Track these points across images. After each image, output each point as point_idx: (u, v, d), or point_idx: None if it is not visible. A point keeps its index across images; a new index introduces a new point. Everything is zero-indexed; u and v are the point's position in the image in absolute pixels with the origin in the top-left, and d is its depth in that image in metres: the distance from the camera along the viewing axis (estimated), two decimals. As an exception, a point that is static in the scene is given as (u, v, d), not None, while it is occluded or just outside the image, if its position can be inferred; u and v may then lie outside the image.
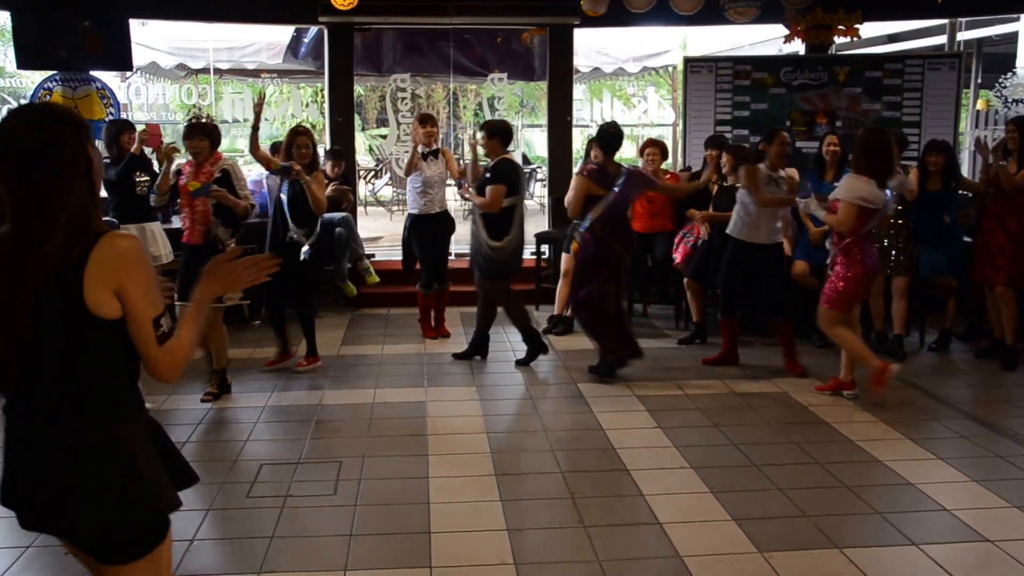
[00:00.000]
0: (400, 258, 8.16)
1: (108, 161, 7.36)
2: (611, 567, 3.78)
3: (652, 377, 6.59)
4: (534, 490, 4.61)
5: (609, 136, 6.57)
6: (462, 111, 18.03)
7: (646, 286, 8.52)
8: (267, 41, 11.31)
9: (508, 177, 6.65)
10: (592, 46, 12.16)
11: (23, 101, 9.11)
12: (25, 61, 8.29)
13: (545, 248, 9.15)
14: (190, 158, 5.96)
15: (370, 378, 6.69)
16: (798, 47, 10.14)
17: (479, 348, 7.18)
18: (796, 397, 6.14)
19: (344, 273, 8.54)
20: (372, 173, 17.15)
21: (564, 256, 8.14)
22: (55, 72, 8.51)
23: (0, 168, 2.13)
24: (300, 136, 6.55)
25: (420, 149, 7.62)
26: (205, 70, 11.23)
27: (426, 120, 7.72)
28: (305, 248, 6.50)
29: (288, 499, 4.51)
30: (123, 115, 8.92)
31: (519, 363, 6.97)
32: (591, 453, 5.14)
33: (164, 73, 11.54)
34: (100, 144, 7.48)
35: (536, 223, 12.24)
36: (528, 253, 9.68)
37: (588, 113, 12.80)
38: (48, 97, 8.51)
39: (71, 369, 2.16)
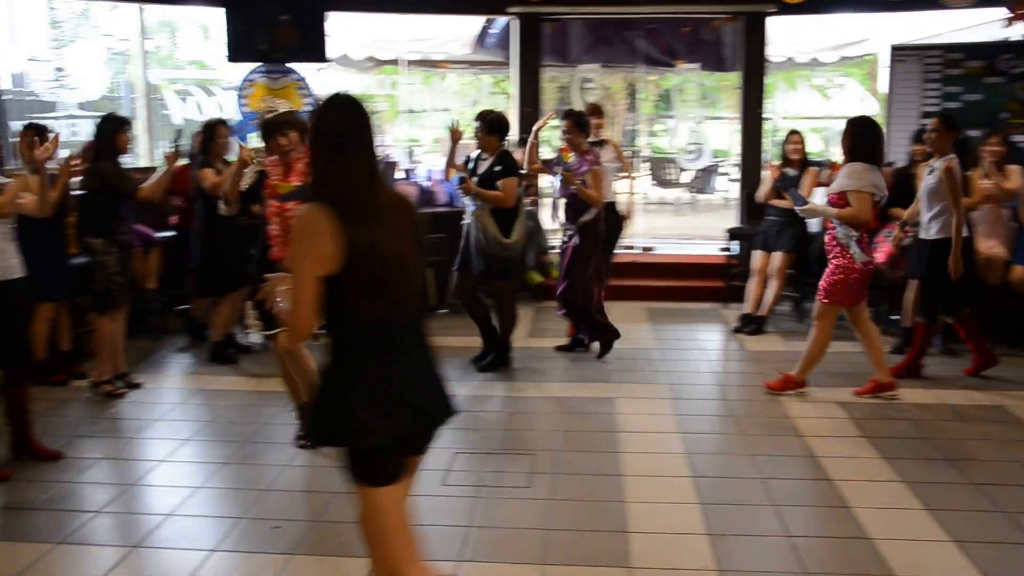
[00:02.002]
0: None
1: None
2: (821, 581, 3.68)
3: (850, 383, 6.35)
4: (733, 495, 4.53)
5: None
6: (640, 103, 17.89)
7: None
8: (455, 32, 11.56)
9: (515, 169, 6.52)
10: (786, 35, 11.81)
11: (230, 90, 9.65)
12: (233, 54, 8.81)
13: (735, 244, 8.97)
14: (271, 158, 5.07)
15: (557, 371, 6.74)
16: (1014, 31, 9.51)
17: (502, 358, 6.80)
18: (1014, 412, 5.79)
19: (531, 264, 8.66)
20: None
21: (755, 253, 7.97)
22: (259, 65, 9.00)
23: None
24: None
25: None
26: (393, 61, 11.59)
27: (595, 111, 7.78)
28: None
29: (483, 488, 4.61)
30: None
31: (481, 369, 6.69)
32: (791, 460, 5.01)
33: (354, 64, 11.98)
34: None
35: (721, 218, 12.04)
36: (717, 249, 9.57)
37: (774, 105, 12.48)
38: (252, 88, 9.02)
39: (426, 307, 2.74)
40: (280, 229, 4.90)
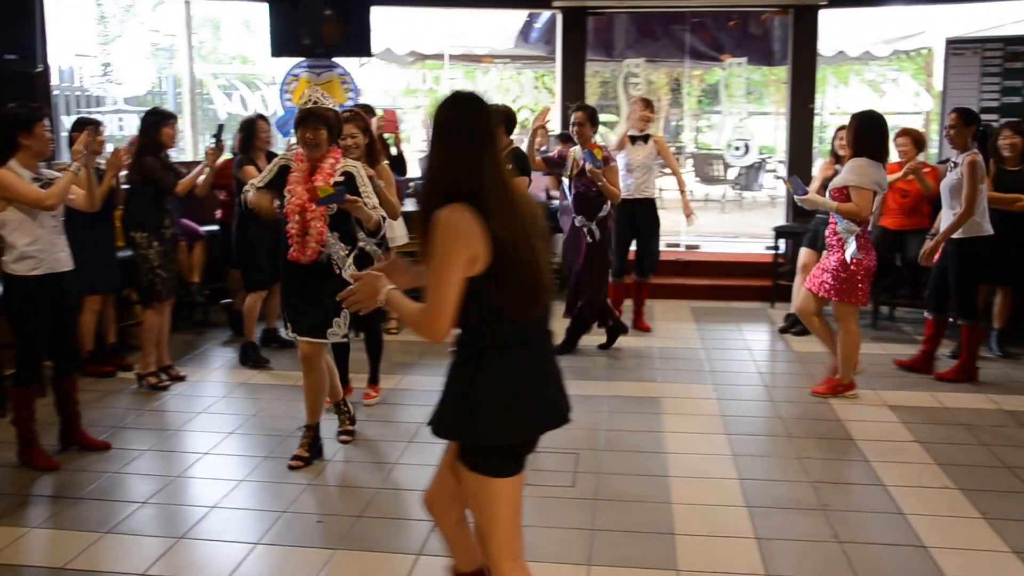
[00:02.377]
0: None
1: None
2: (874, 587, 3.63)
3: (903, 386, 6.26)
4: (782, 498, 4.47)
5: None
6: (684, 98, 17.78)
7: (894, 288, 8.09)
8: (498, 26, 11.56)
9: (527, 168, 6.41)
10: (837, 27, 11.65)
11: (273, 86, 9.71)
12: (277, 49, 8.87)
13: (782, 242, 8.88)
14: (299, 150, 4.78)
15: (600, 370, 6.72)
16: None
17: None
18: (1074, 417, 5.67)
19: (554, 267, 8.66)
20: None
21: (803, 251, 7.88)
22: (302, 59, 9.05)
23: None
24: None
25: (630, 131, 7.69)
26: (436, 56, 11.61)
27: (646, 104, 7.74)
28: None
29: (527, 487, 4.58)
30: (360, 100, 9.34)
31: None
32: (841, 464, 4.95)
33: (396, 59, 12.02)
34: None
35: (767, 216, 11.96)
36: (763, 247, 9.48)
37: (823, 100, 12.31)
38: (296, 83, 9.08)
39: None
40: (299, 228, 4.68)
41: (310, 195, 4.60)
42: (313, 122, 4.62)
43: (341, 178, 4.68)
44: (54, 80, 8.12)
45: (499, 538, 2.74)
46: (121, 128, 9.30)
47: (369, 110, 7.93)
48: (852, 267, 5.75)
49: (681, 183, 8.08)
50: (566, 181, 7.18)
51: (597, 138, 6.92)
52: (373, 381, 6.04)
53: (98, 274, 6.18)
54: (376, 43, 9.46)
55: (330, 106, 4.76)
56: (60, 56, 8.96)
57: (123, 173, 6.18)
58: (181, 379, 6.42)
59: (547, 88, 13.15)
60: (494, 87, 11.06)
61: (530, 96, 12.28)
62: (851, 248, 5.73)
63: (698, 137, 17.83)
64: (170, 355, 6.52)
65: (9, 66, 6.86)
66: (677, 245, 10.03)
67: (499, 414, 2.61)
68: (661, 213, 7.89)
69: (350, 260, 4.81)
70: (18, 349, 4.86)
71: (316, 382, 4.87)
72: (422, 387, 6.21)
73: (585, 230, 6.81)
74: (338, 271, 4.74)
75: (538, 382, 2.70)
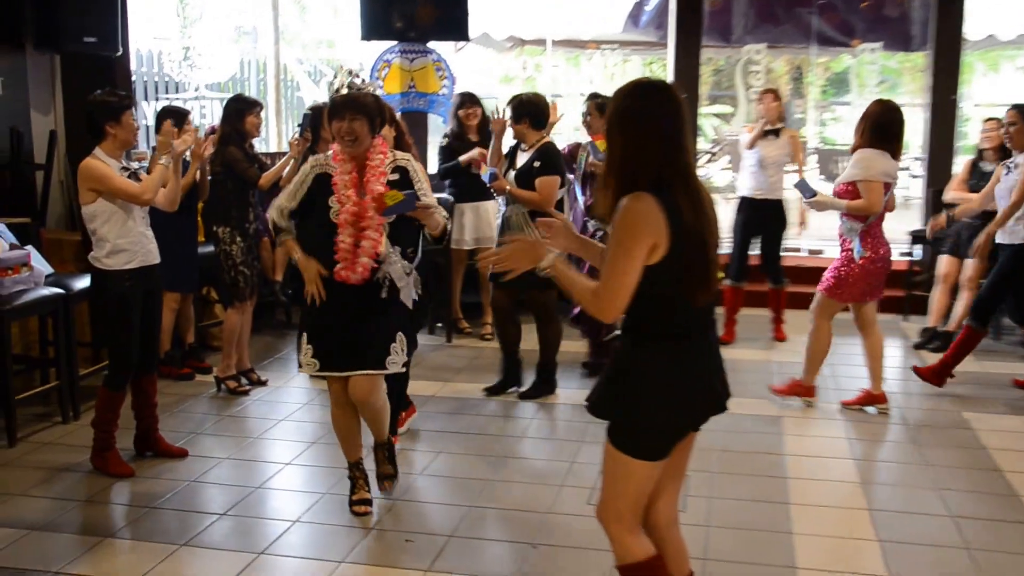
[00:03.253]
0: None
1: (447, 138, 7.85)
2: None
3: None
4: (918, 533, 4.36)
5: None
6: (807, 88, 17.48)
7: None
8: (606, 10, 11.55)
9: (558, 165, 6.12)
10: (987, 9, 11.30)
11: (361, 71, 9.86)
12: (367, 32, 9.00)
13: (918, 249, 8.65)
14: (333, 148, 4.33)
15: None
16: None
17: (548, 383, 6.40)
18: None
19: None
20: (708, 156, 17.05)
21: (942, 258, 7.68)
22: (394, 44, 9.17)
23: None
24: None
25: (766, 125, 7.63)
26: (537, 41, 11.66)
27: (773, 95, 7.65)
28: None
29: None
30: (456, 88, 9.42)
31: (523, 396, 6.32)
32: (986, 497, 4.79)
33: (494, 44, 12.11)
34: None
35: (900, 219, 11.62)
36: (896, 254, 9.24)
37: (968, 90, 11.96)
38: (387, 70, 9.20)
39: None
40: (351, 243, 4.22)
41: (376, 203, 4.12)
42: (349, 111, 4.16)
43: (395, 176, 4.30)
44: (132, 65, 8.36)
45: (618, 510, 2.95)
46: (203, 116, 9.56)
47: (473, 99, 7.97)
48: (856, 266, 5.78)
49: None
50: (577, 182, 6.81)
51: (710, 131, 6.85)
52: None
53: (178, 270, 6.30)
54: (473, 27, 9.52)
55: (370, 90, 4.29)
56: (139, 40, 9.22)
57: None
58: (262, 384, 6.57)
59: (657, 77, 13.09)
60: (599, 75, 11.05)
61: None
62: (857, 247, 5.77)
63: (823, 131, 17.49)
64: (251, 358, 6.67)
65: (87, 50, 7.10)
66: (797, 250, 9.85)
67: (658, 397, 2.83)
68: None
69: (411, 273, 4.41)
70: (111, 349, 5.02)
71: (377, 411, 4.48)
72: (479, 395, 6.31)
73: (600, 235, 6.12)
74: (386, 286, 4.30)
75: (700, 371, 2.92)
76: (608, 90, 13.09)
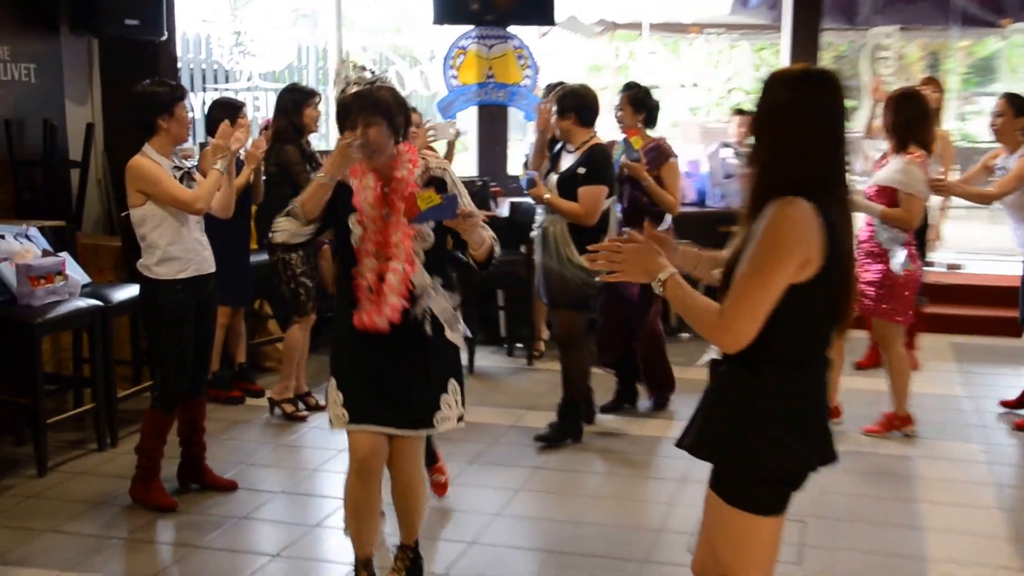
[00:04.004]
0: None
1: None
2: None
3: None
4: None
5: None
6: (945, 76, 17.21)
7: None
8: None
9: (606, 173, 5.90)
10: None
11: (434, 60, 9.96)
12: (440, 16, 9.06)
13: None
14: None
15: (847, 417, 6.50)
16: None
17: (569, 423, 6.09)
18: None
19: None
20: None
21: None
22: (470, 28, 9.23)
23: None
24: None
25: None
26: (632, 25, 11.65)
27: (934, 85, 7.52)
28: None
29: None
30: (539, 79, 9.46)
31: (541, 438, 6.02)
32: None
33: (582, 29, 12.13)
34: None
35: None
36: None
37: None
38: (462, 58, 9.26)
39: None
40: (374, 278, 3.78)
41: (406, 205, 3.74)
42: (365, 112, 3.73)
43: (427, 183, 3.85)
44: (178, 51, 8.49)
45: None
46: (256, 108, 9.70)
47: None
48: (901, 279, 5.80)
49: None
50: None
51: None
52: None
53: (230, 282, 6.25)
54: (560, 9, 9.55)
55: (386, 84, 3.89)
56: (186, 23, 9.37)
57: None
58: (320, 409, 6.61)
59: (768, 65, 12.98)
60: (702, 63, 11.02)
61: (747, 74, 12.15)
62: (899, 257, 5.77)
63: (963, 127, 17.17)
64: (307, 380, 6.74)
65: (128, 34, 7.24)
66: (932, 264, 9.67)
67: (778, 439, 2.71)
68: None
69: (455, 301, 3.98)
70: (161, 366, 5.09)
71: (415, 490, 4.12)
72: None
73: None
74: (429, 321, 3.86)
75: (819, 406, 2.83)
76: (713, 81, 13.10)
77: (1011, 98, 6.45)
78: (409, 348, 3.85)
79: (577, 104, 5.84)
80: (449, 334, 3.90)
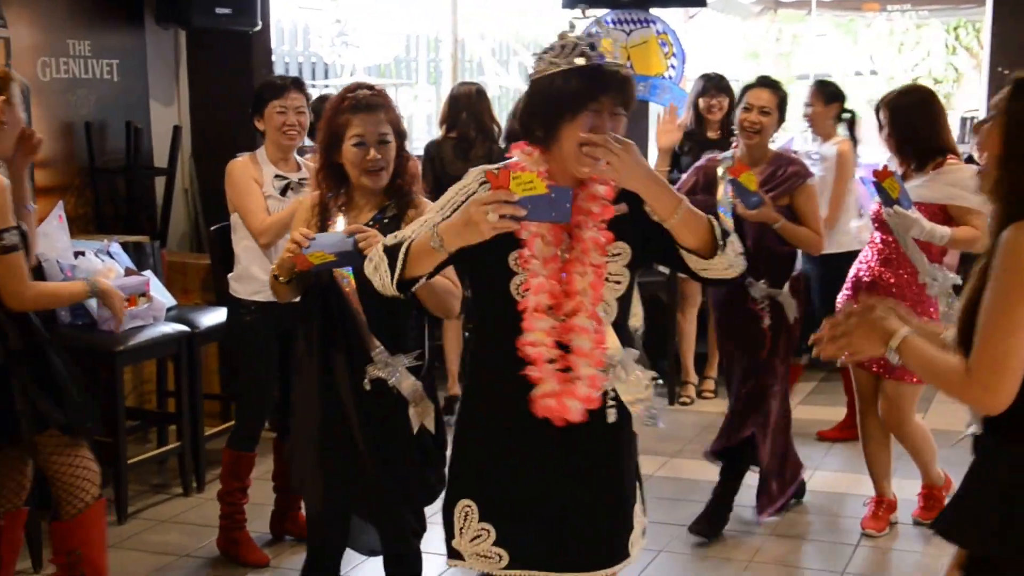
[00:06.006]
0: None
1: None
2: None
3: None
4: None
5: None
6: None
7: None
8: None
9: None
10: None
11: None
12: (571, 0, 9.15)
13: None
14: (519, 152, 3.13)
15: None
16: None
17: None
18: None
19: None
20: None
21: None
22: (605, 12, 9.28)
23: None
24: None
25: None
26: (798, 3, 11.62)
27: None
28: None
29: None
30: (684, 67, 9.47)
31: (695, 530, 5.50)
32: None
33: (738, 9, 12.13)
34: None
35: None
36: None
37: None
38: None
39: None
40: (552, 343, 2.96)
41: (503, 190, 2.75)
42: (620, 98, 3.01)
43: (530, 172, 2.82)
44: (274, 42, 8.64)
45: None
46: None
47: (721, 85, 7.89)
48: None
49: None
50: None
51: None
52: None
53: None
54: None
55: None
56: (282, 12, 9.54)
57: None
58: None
59: (965, 47, 12.79)
60: (883, 46, 10.91)
61: (940, 59, 11.96)
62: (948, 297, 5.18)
63: None
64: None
65: (219, 24, 7.44)
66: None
67: None
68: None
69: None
70: (238, 398, 5.25)
71: None
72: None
73: (764, 305, 5.42)
74: (614, 406, 3.08)
75: None
76: (895, 67, 12.96)
77: (821, 86, 6.93)
78: (592, 450, 3.09)
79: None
80: (637, 423, 3.18)
